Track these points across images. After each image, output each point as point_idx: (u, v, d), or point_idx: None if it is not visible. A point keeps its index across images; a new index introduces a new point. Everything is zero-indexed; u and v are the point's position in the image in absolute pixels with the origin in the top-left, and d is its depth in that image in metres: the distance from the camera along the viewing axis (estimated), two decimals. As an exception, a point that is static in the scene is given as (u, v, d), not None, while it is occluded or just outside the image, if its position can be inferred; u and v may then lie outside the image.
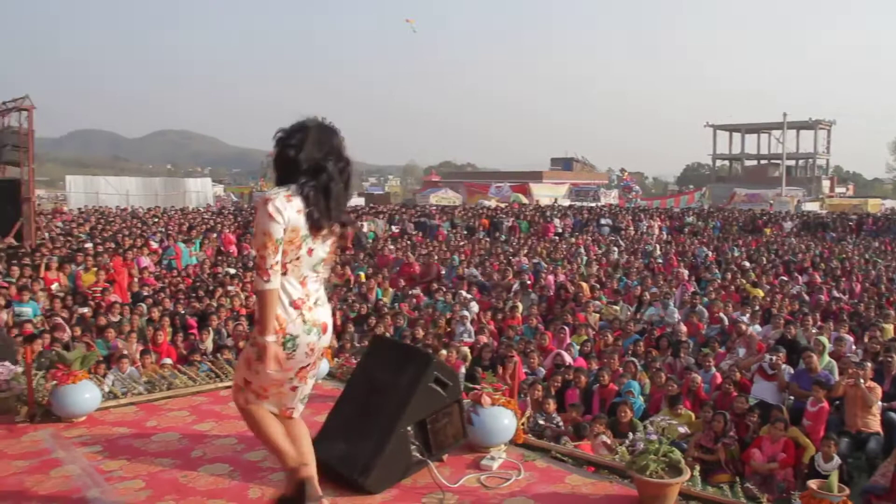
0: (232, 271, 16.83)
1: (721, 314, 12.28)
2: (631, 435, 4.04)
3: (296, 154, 3.05)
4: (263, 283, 2.96)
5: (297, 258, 3.05)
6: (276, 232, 2.94)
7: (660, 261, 19.73)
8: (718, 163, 75.51)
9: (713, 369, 9.51)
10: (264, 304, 2.98)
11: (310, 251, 3.08)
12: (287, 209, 2.97)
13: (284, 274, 3.02)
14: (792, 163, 69.00)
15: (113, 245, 18.48)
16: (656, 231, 30.22)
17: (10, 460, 4.20)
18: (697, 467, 4.36)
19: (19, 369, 5.18)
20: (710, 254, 20.85)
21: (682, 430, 4.04)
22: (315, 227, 3.05)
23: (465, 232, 29.92)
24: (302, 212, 3.01)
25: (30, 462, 4.19)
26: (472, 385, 4.79)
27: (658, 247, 22.99)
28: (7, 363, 5.23)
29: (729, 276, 16.32)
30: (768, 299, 13.69)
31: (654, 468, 3.61)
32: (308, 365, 3.21)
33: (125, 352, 9.44)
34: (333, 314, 12.48)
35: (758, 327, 11.36)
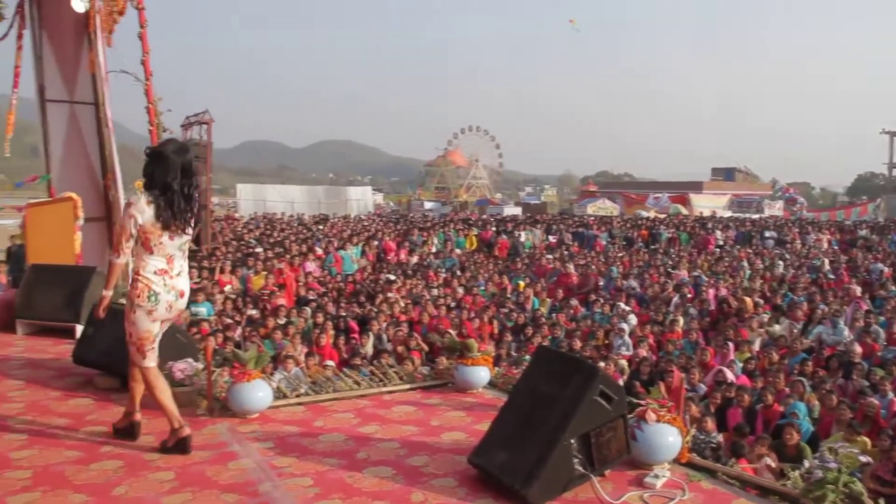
0: (392, 277, 17.27)
1: (901, 335, 11.52)
2: (806, 462, 3.85)
3: (151, 176, 4.32)
4: (114, 258, 4.34)
5: (161, 243, 4.33)
6: (129, 226, 4.25)
7: (829, 276, 18.67)
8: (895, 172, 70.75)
9: (890, 394, 8.92)
10: (111, 272, 4.41)
11: (170, 237, 4.35)
12: (145, 211, 4.25)
13: (151, 253, 4.33)
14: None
15: (280, 250, 19.38)
16: (825, 245, 28.57)
17: (194, 450, 4.49)
18: (882, 502, 4.05)
19: (200, 366, 5.53)
20: (886, 270, 19.52)
21: (864, 459, 3.81)
22: (165, 225, 4.30)
23: (624, 243, 29.41)
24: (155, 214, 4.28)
25: (210, 453, 4.47)
26: (637, 401, 4.71)
27: (827, 261, 21.77)
28: (189, 360, 5.60)
29: (908, 294, 15.25)
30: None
31: (832, 499, 3.40)
32: (168, 319, 4.57)
33: (291, 353, 9.87)
34: (481, 321, 12.74)
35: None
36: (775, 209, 52.35)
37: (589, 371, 4.09)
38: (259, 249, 19.62)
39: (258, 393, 5.18)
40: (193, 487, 3.96)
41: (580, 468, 3.93)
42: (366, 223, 32.95)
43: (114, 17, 8.52)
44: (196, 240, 19.66)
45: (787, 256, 24.34)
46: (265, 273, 15.67)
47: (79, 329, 6.78)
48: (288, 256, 17.94)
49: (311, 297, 14.41)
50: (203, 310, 12.81)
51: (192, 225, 4.50)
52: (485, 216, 42.26)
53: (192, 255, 17.30)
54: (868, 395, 8.68)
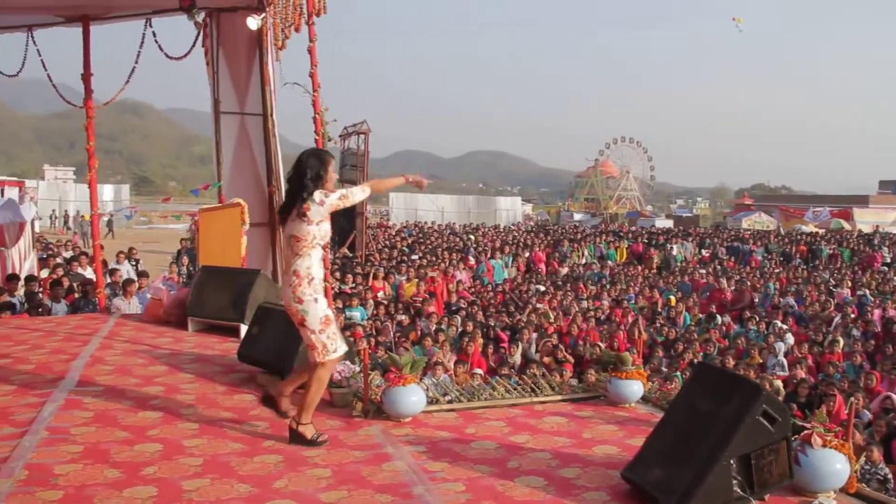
0: (542, 288, 17.21)
1: None
2: None
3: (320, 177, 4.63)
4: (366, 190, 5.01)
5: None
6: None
7: None
8: None
9: None
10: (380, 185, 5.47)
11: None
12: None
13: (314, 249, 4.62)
14: None
15: (433, 258, 19.71)
16: None
17: (349, 450, 4.64)
18: None
19: (357, 368, 5.69)
20: None
21: None
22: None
23: (781, 258, 28.14)
24: None
25: (365, 454, 4.59)
26: (803, 423, 4.48)
27: None
28: (347, 362, 5.77)
29: None
30: None
31: None
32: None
33: (440, 359, 10.01)
34: (632, 335, 12.47)
35: None
36: (955, 226, 48.52)
37: (752, 389, 3.92)
38: (414, 257, 20.03)
39: (412, 397, 5.27)
40: (349, 486, 4.07)
41: (739, 490, 3.77)
42: (515, 233, 33.01)
43: (286, 33, 8.93)
44: (351, 246, 20.35)
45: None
46: (417, 280, 15.98)
47: (243, 328, 7.13)
48: (440, 264, 18.21)
49: (462, 306, 14.56)
50: (357, 314, 13.21)
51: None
52: (635, 228, 41.47)
53: (348, 262, 17.90)
54: None
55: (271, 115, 10.73)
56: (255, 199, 10.59)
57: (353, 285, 15.17)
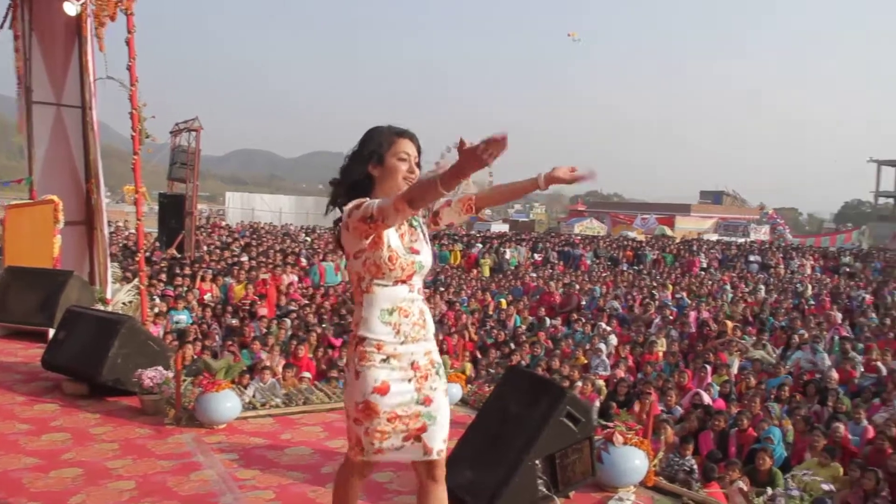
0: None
1: (879, 363, 11.54)
2: (770, 488, 3.85)
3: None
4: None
5: None
6: None
7: (811, 302, 18.75)
8: (881, 200, 71.20)
9: (864, 421, 8.94)
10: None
11: None
12: None
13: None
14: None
15: (264, 260, 19.31)
16: (808, 270, 28.74)
17: (157, 459, 4.47)
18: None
19: (170, 374, 5.49)
20: (867, 297, 19.62)
21: (827, 487, 3.82)
22: None
23: (609, 263, 29.49)
24: None
25: (173, 463, 4.43)
26: (604, 422, 4.70)
27: (810, 287, 21.88)
28: (160, 367, 5.56)
29: (888, 322, 15.31)
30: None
31: (793, 525, 3.42)
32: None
33: (268, 363, 9.82)
34: (461, 338, 12.70)
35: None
36: (761, 234, 52.51)
37: (557, 393, 4.08)
38: (245, 258, 19.54)
39: (226, 403, 5.15)
40: (153, 498, 3.92)
41: (544, 489, 3.91)
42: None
43: (103, 22, 8.49)
44: (180, 247, 19.64)
45: (771, 281, 24.47)
46: (247, 283, 15.62)
47: (52, 334, 6.73)
48: (271, 267, 17.86)
49: (292, 308, 14.35)
50: (183, 317, 12.76)
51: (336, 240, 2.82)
52: (472, 232, 42.27)
53: (176, 263, 17.26)
54: (843, 421, 8.67)
55: (91, 109, 10.17)
56: (71, 196, 10.02)
57: (181, 287, 14.63)
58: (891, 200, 70.54)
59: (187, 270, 16.09)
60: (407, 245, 2.70)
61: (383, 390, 2.66)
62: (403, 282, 2.68)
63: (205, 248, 22.17)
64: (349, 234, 2.58)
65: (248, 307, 13.89)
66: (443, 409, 2.77)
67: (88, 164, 10.32)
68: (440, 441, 2.75)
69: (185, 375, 5.66)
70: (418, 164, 2.77)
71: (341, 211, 2.66)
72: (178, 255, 19.12)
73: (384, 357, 2.65)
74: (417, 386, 2.70)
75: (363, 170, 2.71)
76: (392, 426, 2.67)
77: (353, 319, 2.74)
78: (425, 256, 2.75)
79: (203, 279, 15.39)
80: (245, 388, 7.37)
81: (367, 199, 2.56)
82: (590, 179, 2.67)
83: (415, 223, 2.79)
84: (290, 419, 5.47)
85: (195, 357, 9.74)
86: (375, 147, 2.70)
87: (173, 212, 20.40)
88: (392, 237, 2.63)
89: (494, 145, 2.11)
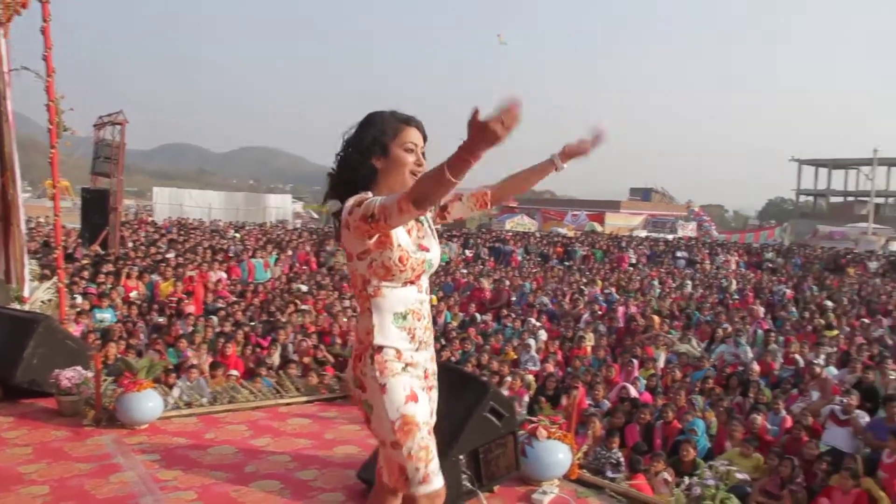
0: (304, 288, 17.04)
1: (796, 355, 11.91)
2: (687, 477, 3.93)
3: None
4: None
5: None
6: None
7: (735, 297, 19.27)
8: (802, 198, 73.54)
9: (783, 412, 9.21)
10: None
11: None
12: None
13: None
14: (881, 200, 66.54)
15: (192, 257, 18.95)
16: (733, 266, 29.53)
17: (74, 462, 4.34)
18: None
19: (90, 374, 5.34)
20: (788, 292, 20.24)
21: (742, 476, 3.92)
22: None
23: (539, 259, 29.77)
24: None
25: (91, 465, 4.31)
26: (530, 417, 4.74)
27: (734, 282, 22.47)
28: (79, 367, 5.40)
29: (807, 315, 15.82)
30: (847, 341, 13.20)
31: (709, 514, 3.50)
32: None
33: (195, 362, 9.64)
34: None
35: (833, 370, 10.96)
36: (688, 230, 53.70)
37: (480, 388, 4.10)
38: (171, 255, 19.15)
39: (148, 403, 5.04)
40: (69, 502, 3.80)
41: (468, 484, 3.92)
42: (281, 232, 32.52)
43: (15, 10, 8.18)
44: (104, 244, 19.13)
45: (697, 276, 25.04)
46: (174, 280, 15.31)
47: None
48: (199, 263, 17.54)
49: (220, 306, 14.11)
50: (107, 315, 12.43)
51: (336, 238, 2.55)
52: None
53: (100, 260, 16.81)
54: (763, 412, 8.92)
55: (4, 99, 9.80)
56: (-16, 191, 9.65)
57: (103, 284, 14.25)
58: (811, 198, 72.93)
59: (111, 267, 15.68)
60: (415, 241, 2.45)
61: (415, 398, 2.43)
62: (412, 282, 2.45)
63: (130, 244, 21.65)
64: (350, 233, 2.32)
65: (174, 305, 13.60)
66: None
67: (3, 157, 9.94)
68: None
69: (107, 375, 5.53)
70: (424, 155, 2.49)
71: (341, 203, 2.38)
72: (102, 252, 18.61)
73: (403, 366, 2.44)
74: (430, 397, 2.53)
75: (365, 162, 2.41)
76: (433, 440, 2.41)
77: (358, 328, 2.49)
78: (434, 254, 2.50)
79: (129, 276, 15.02)
80: (171, 387, 7.22)
81: (370, 194, 2.31)
82: (603, 139, 2.56)
83: (421, 217, 2.54)
84: (215, 418, 5.38)
85: (118, 356, 9.50)
86: (378, 134, 2.41)
87: (97, 207, 19.83)
88: (401, 234, 2.38)
89: (507, 116, 1.84)
